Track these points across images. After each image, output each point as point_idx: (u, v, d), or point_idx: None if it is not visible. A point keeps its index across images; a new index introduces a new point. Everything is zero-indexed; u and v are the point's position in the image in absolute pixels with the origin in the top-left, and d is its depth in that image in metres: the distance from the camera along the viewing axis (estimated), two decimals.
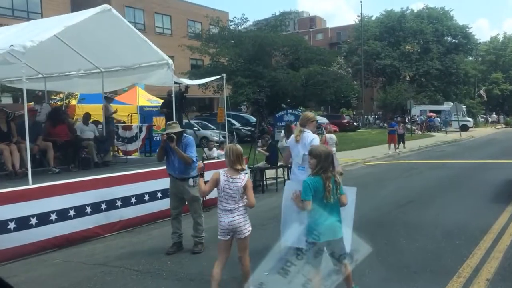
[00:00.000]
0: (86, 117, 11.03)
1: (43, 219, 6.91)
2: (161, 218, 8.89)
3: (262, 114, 13.20)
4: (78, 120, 13.30)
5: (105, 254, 6.71)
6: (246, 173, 4.84)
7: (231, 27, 28.39)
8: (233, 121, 29.62)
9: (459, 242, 6.69)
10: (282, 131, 13.07)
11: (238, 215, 4.65)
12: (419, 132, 39.21)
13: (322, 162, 4.21)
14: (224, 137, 26.45)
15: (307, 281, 3.22)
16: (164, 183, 8.99)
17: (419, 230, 7.45)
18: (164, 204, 8.90)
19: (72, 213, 7.34)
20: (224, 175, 4.63)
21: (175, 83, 10.92)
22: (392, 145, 22.30)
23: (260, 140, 13.68)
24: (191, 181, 6.81)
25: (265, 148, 12.86)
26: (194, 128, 27.02)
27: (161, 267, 5.98)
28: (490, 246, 6.49)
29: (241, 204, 4.67)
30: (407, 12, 57.63)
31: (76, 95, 15.83)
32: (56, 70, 11.46)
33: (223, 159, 12.01)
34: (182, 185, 6.91)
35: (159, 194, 8.87)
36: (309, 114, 6.54)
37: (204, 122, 28.49)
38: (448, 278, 5.26)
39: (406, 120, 42.02)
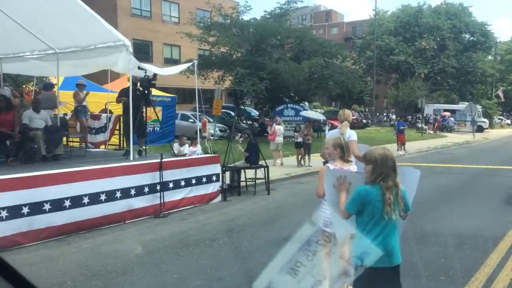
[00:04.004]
0: (37, 103, 9.76)
1: None
2: (105, 224, 7.67)
3: (239, 108, 11.79)
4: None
5: None
6: (355, 164, 4.80)
7: (233, 15, 26.90)
8: (233, 114, 28.33)
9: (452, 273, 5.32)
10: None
11: None
12: (431, 132, 37.43)
13: (378, 167, 3.35)
14: (221, 130, 25.43)
15: (316, 282, 2.90)
16: (112, 183, 7.83)
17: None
18: (108, 208, 7.74)
19: None
20: (335, 167, 4.46)
21: (139, 68, 9.62)
22: (399, 145, 21.05)
23: (239, 135, 12.33)
24: None
25: (245, 144, 11.53)
26: (190, 120, 25.86)
27: None
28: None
29: None
30: (424, 7, 55.49)
31: (48, 79, 14.61)
32: (9, 50, 10.26)
33: (196, 156, 10.80)
34: None
35: (102, 197, 7.60)
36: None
37: (201, 115, 27.21)
38: None
39: (417, 119, 40.41)
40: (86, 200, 7.33)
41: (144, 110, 10.12)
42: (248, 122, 16.48)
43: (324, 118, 28.20)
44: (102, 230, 7.48)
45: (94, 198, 7.46)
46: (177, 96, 26.44)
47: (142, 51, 39.51)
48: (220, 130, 25.10)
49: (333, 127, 32.44)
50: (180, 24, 39.42)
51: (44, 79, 14.87)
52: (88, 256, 6.15)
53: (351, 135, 6.30)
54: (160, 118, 21.01)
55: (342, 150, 4.82)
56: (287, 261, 3.05)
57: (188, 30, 27.88)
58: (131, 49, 8.65)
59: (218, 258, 5.97)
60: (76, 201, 7.22)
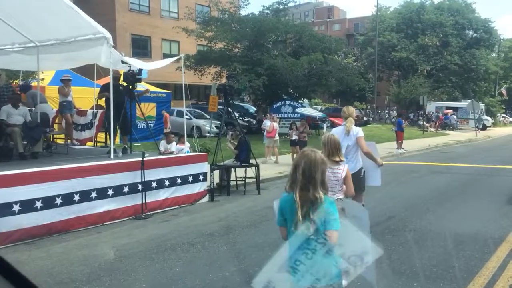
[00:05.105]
0: (16, 98, 9.35)
1: None
2: (80, 226, 7.26)
3: (229, 105, 11.33)
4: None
5: None
6: (346, 163, 4.85)
7: (231, 10, 26.43)
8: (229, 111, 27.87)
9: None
10: None
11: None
12: (432, 130, 36.92)
13: (293, 171, 2.94)
14: (217, 127, 24.95)
15: (315, 280, 2.77)
16: (87, 182, 7.43)
17: (394, 259, 5.65)
18: (83, 209, 7.34)
19: None
20: None
21: (123, 62, 9.22)
22: (399, 143, 20.61)
23: (230, 133, 11.92)
24: None
25: (235, 143, 11.10)
26: (186, 117, 25.40)
27: None
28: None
29: (339, 195, 4.57)
30: (427, 3, 54.77)
31: (35, 74, 14.20)
32: None
33: (183, 154, 10.40)
34: None
35: (76, 197, 7.19)
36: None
37: (198, 111, 26.82)
38: None
39: (419, 117, 39.88)
40: (58, 200, 6.93)
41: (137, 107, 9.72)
42: (238, 117, 16.15)
43: (320, 115, 27.69)
44: (77, 233, 7.09)
45: (67, 199, 7.05)
46: (175, 92, 26.04)
47: (141, 46, 39.10)
48: (216, 127, 24.66)
49: (333, 124, 32.04)
50: (179, 19, 38.94)
51: (33, 74, 14.47)
52: (56, 261, 5.75)
53: (358, 132, 6.25)
54: (155, 114, 20.80)
55: (325, 149, 4.65)
56: (286, 260, 2.90)
57: (187, 25, 27.41)
58: (111, 42, 8.22)
59: (194, 265, 5.56)
60: (48, 202, 6.81)
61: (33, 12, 8.40)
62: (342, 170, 4.63)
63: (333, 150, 4.67)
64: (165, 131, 17.18)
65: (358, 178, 6.33)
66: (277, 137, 15.68)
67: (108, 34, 8.18)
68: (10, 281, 1.26)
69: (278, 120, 16.63)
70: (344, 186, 4.68)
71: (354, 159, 6.27)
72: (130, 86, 9.65)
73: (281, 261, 2.93)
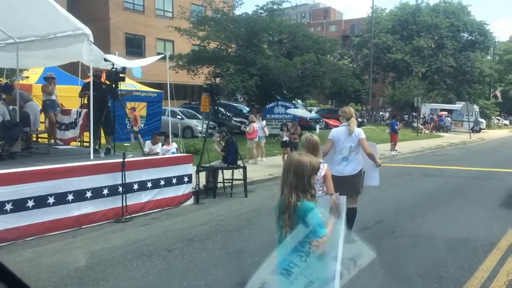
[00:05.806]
0: None
1: None
2: (55, 230, 6.96)
3: (216, 104, 11.07)
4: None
5: None
6: (324, 163, 4.92)
7: (225, 9, 26.13)
8: (223, 110, 27.52)
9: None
10: None
11: None
12: (427, 132, 36.78)
13: (282, 176, 2.89)
14: (210, 128, 24.65)
15: (309, 283, 2.74)
16: (63, 184, 7.13)
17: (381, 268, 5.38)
18: (58, 212, 7.06)
19: None
20: None
21: (105, 60, 8.93)
22: (392, 145, 20.38)
23: (217, 134, 11.64)
24: None
25: (222, 144, 10.82)
26: (178, 117, 25.06)
27: None
28: None
29: (320, 194, 4.50)
30: (423, 5, 54.75)
31: (21, 72, 13.89)
32: None
33: (169, 155, 10.11)
34: None
35: (50, 200, 6.89)
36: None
37: (191, 111, 26.51)
38: None
39: (413, 119, 39.74)
40: (30, 203, 6.62)
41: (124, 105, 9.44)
42: (225, 118, 15.96)
43: (312, 116, 27.44)
44: (52, 237, 6.79)
45: (41, 201, 6.75)
46: (169, 92, 25.67)
47: (135, 45, 38.73)
48: (209, 128, 24.33)
49: (327, 125, 31.77)
50: (173, 18, 38.57)
51: (21, 72, 14.15)
52: (24, 268, 5.45)
53: (360, 133, 6.24)
54: (145, 114, 20.48)
55: (303, 149, 4.71)
56: (280, 262, 2.86)
57: (180, 25, 27.08)
58: (91, 38, 7.92)
59: (168, 273, 5.27)
60: (19, 205, 6.51)
61: (12, 7, 8.09)
62: (321, 169, 4.65)
63: (311, 150, 4.67)
64: (134, 128, 16.75)
65: (357, 179, 6.23)
66: (257, 138, 15.50)
67: (88, 31, 7.89)
68: (3, 282, 1.25)
69: (257, 120, 16.33)
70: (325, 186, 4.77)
71: (355, 160, 6.20)
72: (113, 85, 9.36)
73: (275, 263, 2.87)
